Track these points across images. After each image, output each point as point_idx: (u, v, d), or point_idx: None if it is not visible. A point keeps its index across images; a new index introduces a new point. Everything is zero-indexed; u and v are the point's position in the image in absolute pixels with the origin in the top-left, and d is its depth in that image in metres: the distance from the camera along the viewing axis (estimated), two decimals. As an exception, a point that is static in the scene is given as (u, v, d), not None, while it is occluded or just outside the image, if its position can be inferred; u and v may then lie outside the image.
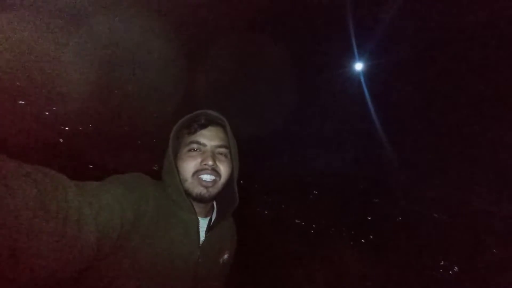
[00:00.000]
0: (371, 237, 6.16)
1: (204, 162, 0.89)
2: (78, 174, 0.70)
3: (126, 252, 0.75)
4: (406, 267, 4.45)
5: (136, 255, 0.76)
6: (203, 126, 0.95)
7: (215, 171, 0.90)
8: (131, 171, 0.88)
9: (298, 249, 4.70)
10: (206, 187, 0.89)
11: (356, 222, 6.60)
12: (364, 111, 7.05)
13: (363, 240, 6.14)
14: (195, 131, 0.94)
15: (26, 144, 4.70)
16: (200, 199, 0.90)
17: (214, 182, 0.90)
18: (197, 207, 0.93)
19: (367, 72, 6.78)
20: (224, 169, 0.93)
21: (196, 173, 0.89)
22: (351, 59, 7.16)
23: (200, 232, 0.93)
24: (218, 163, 0.91)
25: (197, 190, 0.89)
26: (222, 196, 0.99)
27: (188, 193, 0.90)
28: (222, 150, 0.95)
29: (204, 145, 0.92)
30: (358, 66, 7.40)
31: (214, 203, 1.06)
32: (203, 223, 0.96)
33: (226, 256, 1.04)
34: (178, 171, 0.91)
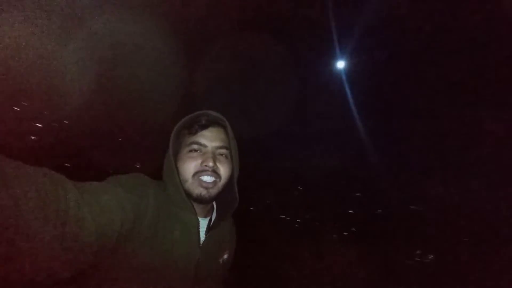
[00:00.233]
0: (353, 229, 6.40)
1: (204, 163, 0.89)
2: (77, 175, 0.69)
3: (126, 252, 0.74)
4: (387, 256, 4.66)
5: (136, 255, 0.76)
6: (204, 127, 0.95)
7: (215, 172, 0.91)
8: (131, 172, 0.87)
9: (284, 243, 4.79)
10: (206, 188, 0.90)
11: (339, 216, 6.81)
12: (346, 108, 7.26)
13: (345, 233, 6.36)
14: (195, 132, 0.94)
15: (26, 144, 4.63)
16: (200, 200, 0.91)
17: (214, 183, 0.91)
18: (197, 207, 0.94)
19: (349, 70, 6.97)
20: (224, 170, 0.93)
21: (197, 174, 0.90)
22: (333, 57, 7.31)
23: (200, 232, 0.94)
24: (218, 164, 0.92)
25: (197, 191, 0.89)
26: (222, 196, 0.99)
27: (188, 194, 0.90)
28: (223, 151, 0.96)
29: (205, 146, 0.93)
30: (340, 64, 7.58)
31: (214, 203, 1.07)
32: (203, 223, 0.97)
33: (226, 256, 1.06)
34: (178, 172, 0.91)
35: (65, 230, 0.51)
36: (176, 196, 0.89)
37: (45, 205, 0.48)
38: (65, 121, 5.48)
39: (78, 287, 0.72)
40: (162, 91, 6.47)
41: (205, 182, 0.89)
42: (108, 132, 5.87)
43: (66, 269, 0.53)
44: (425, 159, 6.42)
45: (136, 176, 0.86)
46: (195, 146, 0.93)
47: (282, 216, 6.75)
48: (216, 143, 0.94)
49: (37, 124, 5.11)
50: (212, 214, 1.04)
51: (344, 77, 6.84)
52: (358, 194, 7.14)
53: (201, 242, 0.93)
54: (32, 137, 4.86)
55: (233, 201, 1.02)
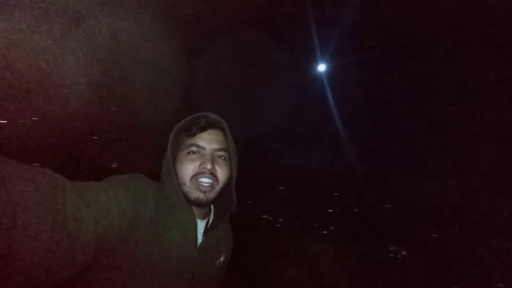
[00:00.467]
0: (332, 228, 6.61)
1: (203, 165, 0.89)
2: (77, 174, 0.67)
3: (125, 252, 0.75)
4: (365, 251, 4.87)
5: (135, 255, 0.76)
6: (203, 129, 0.95)
7: (213, 175, 0.91)
8: (130, 172, 0.87)
9: (267, 242, 4.84)
10: (204, 192, 0.89)
11: (319, 215, 7.01)
12: (327, 110, 7.47)
13: (325, 232, 6.56)
14: (194, 134, 0.94)
15: (25, 144, 4.62)
16: (198, 203, 0.92)
17: (211, 186, 0.90)
18: (195, 209, 0.94)
19: (330, 73, 7.18)
20: (222, 173, 0.94)
21: (195, 176, 0.90)
22: (313, 60, 7.48)
23: (198, 234, 0.94)
24: (216, 167, 0.92)
25: (195, 194, 0.89)
26: (220, 198, 0.98)
27: (186, 196, 0.90)
28: (221, 153, 0.95)
29: (204, 148, 0.93)
30: (321, 68, 7.78)
31: (212, 205, 1.06)
32: (200, 225, 0.96)
33: (222, 258, 1.05)
34: (176, 174, 0.91)
35: (64, 230, 0.51)
36: (174, 198, 0.89)
37: (44, 205, 0.48)
38: (64, 121, 5.45)
39: (77, 287, 0.74)
40: (161, 92, 6.50)
41: (202, 185, 0.89)
42: (107, 133, 5.87)
43: (65, 269, 0.53)
44: (401, 160, 6.81)
45: (135, 177, 0.85)
46: (193, 148, 0.93)
47: (264, 216, 6.80)
48: (215, 146, 0.94)
49: (37, 124, 5.10)
50: (209, 216, 1.04)
51: (325, 80, 7.06)
52: (336, 193, 7.40)
53: (199, 243, 0.93)
54: (32, 137, 4.81)
55: (231, 204, 1.03)
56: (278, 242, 5.25)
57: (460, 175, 5.99)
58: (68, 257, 0.53)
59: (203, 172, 0.89)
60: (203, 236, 0.95)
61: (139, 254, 0.77)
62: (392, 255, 5.88)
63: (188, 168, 0.90)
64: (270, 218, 6.83)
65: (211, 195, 0.91)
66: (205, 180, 0.90)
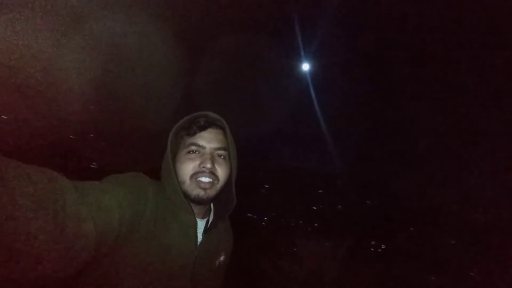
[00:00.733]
0: (316, 225, 6.76)
1: (202, 164, 0.89)
2: (77, 174, 0.65)
3: (125, 252, 0.75)
4: (350, 246, 5.03)
5: (135, 255, 0.76)
6: (203, 128, 0.95)
7: (213, 174, 0.91)
8: (130, 171, 0.87)
9: (253, 241, 4.87)
10: (204, 189, 0.89)
11: (304, 212, 7.14)
12: (311, 110, 7.60)
13: (309, 228, 6.69)
14: (194, 133, 0.94)
15: (25, 144, 4.61)
16: (198, 201, 0.90)
17: (211, 184, 0.90)
18: (195, 208, 0.94)
19: (314, 72, 7.30)
20: (222, 172, 0.93)
21: (194, 175, 0.90)
22: (297, 59, 7.57)
23: (198, 233, 0.93)
24: (216, 166, 0.92)
25: (195, 192, 0.89)
26: (220, 197, 0.99)
27: (186, 195, 0.90)
28: (221, 152, 0.96)
29: (203, 147, 0.93)
30: (305, 67, 7.89)
31: (212, 204, 1.06)
32: (200, 224, 0.96)
33: (222, 257, 1.05)
34: (176, 173, 0.91)
35: (64, 230, 0.51)
36: (174, 197, 0.89)
37: (44, 204, 0.48)
38: (64, 121, 5.39)
39: (77, 287, 0.74)
40: (161, 91, 6.45)
41: (203, 182, 0.89)
42: (107, 132, 5.84)
43: (65, 269, 0.54)
44: (384, 158, 7.08)
45: (135, 176, 0.85)
46: (193, 148, 0.92)
47: (249, 215, 6.82)
48: (215, 145, 0.94)
49: (37, 124, 5.04)
50: (209, 215, 1.04)
51: (309, 79, 7.18)
52: (320, 191, 7.57)
53: (199, 242, 0.93)
54: (31, 137, 4.82)
55: (230, 203, 1.03)
56: (264, 240, 5.29)
57: (438, 174, 6.34)
58: (68, 257, 0.53)
59: (203, 171, 0.89)
60: (203, 235, 0.95)
61: (139, 253, 0.77)
62: (372, 249, 6.14)
63: (188, 167, 0.90)
64: (255, 216, 6.86)
65: (212, 192, 0.91)
66: (205, 179, 0.90)
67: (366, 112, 7.34)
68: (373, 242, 6.26)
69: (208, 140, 0.93)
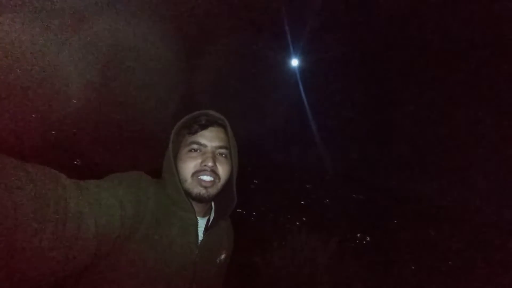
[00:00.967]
0: (304, 219, 6.89)
1: (204, 163, 0.89)
2: (77, 173, 0.64)
3: (126, 251, 0.75)
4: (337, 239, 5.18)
5: (136, 254, 0.76)
6: (204, 127, 0.95)
7: (214, 172, 0.91)
8: (131, 170, 0.86)
9: (242, 235, 4.88)
10: (206, 188, 0.90)
11: (291, 207, 7.24)
12: (300, 106, 7.66)
13: (297, 223, 6.81)
14: (195, 132, 0.94)
15: (26, 143, 4.65)
16: (199, 199, 0.91)
17: (213, 183, 0.90)
18: (196, 206, 0.94)
19: (304, 68, 7.34)
20: (223, 170, 0.94)
21: (196, 173, 0.90)
22: (287, 55, 7.58)
23: (199, 231, 0.94)
24: (218, 164, 0.92)
25: (197, 190, 0.89)
26: (221, 196, 0.99)
27: (187, 193, 0.90)
28: (223, 151, 0.96)
29: (205, 145, 0.93)
30: (294, 62, 7.92)
31: (212, 203, 1.06)
32: (201, 223, 0.97)
33: (223, 256, 1.06)
34: (177, 171, 0.91)
35: (65, 229, 0.51)
36: (175, 195, 0.89)
37: (44, 204, 0.48)
38: (64, 121, 5.46)
39: (77, 286, 0.74)
40: (162, 90, 6.52)
41: (204, 181, 0.89)
42: (108, 131, 5.88)
43: (65, 268, 0.53)
44: (369, 153, 7.28)
45: (136, 174, 0.84)
46: (194, 146, 0.92)
47: (238, 210, 6.84)
48: (216, 143, 0.94)
49: (36, 124, 5.10)
50: (210, 214, 1.04)
51: (298, 75, 7.22)
52: (308, 185, 7.71)
53: (199, 241, 0.93)
54: (32, 136, 4.85)
55: (231, 201, 1.04)
56: (253, 234, 5.33)
57: (421, 166, 6.60)
58: (69, 256, 0.53)
59: (204, 170, 0.89)
60: (204, 234, 0.95)
61: (140, 252, 0.77)
62: (357, 241, 6.35)
63: (189, 166, 0.90)
64: (244, 212, 6.90)
65: (213, 190, 0.91)
66: (207, 178, 0.89)
67: (355, 108, 7.50)
68: (358, 235, 6.48)
69: (209, 139, 0.93)
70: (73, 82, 5.41)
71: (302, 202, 7.46)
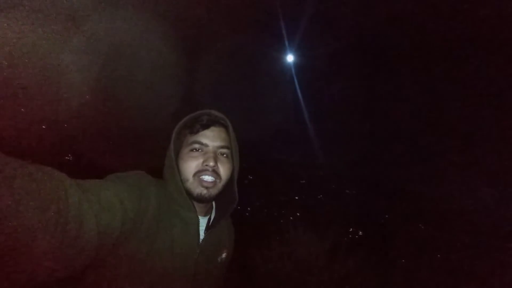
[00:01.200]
0: (298, 214, 6.97)
1: (205, 162, 0.88)
2: (78, 173, 0.63)
3: (127, 250, 0.74)
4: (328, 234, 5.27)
5: (137, 253, 0.76)
6: (206, 126, 0.94)
7: (215, 172, 0.90)
8: (132, 170, 0.85)
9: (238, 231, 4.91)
10: (207, 188, 0.89)
11: (286, 202, 7.31)
12: (295, 102, 7.67)
13: (291, 218, 6.89)
14: (197, 131, 0.93)
15: (27, 143, 4.66)
16: (200, 199, 0.89)
17: (214, 183, 0.90)
18: (197, 206, 0.93)
19: (299, 64, 7.34)
20: (224, 170, 0.93)
21: (197, 173, 0.89)
22: (282, 51, 7.55)
23: (200, 231, 0.93)
24: (219, 164, 0.91)
25: (198, 190, 0.88)
26: (222, 195, 0.98)
27: (188, 193, 0.89)
28: (224, 150, 0.95)
29: (206, 145, 0.92)
30: (289, 58, 7.90)
31: (214, 202, 1.06)
32: (202, 222, 0.96)
33: (224, 255, 1.05)
34: (179, 171, 0.90)
35: (66, 229, 0.51)
36: (176, 195, 0.88)
37: (46, 203, 0.48)
38: (65, 120, 5.51)
39: (78, 286, 0.73)
40: (163, 90, 6.55)
41: (205, 181, 0.89)
42: (108, 131, 5.95)
43: (66, 268, 0.53)
44: (364, 149, 7.37)
45: (137, 174, 0.83)
46: (196, 146, 0.91)
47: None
48: (217, 143, 0.93)
49: (37, 123, 5.15)
50: (211, 213, 1.03)
51: (293, 71, 7.22)
52: (303, 181, 7.78)
53: (201, 240, 0.93)
54: (32, 136, 4.90)
55: (232, 201, 1.03)
56: (248, 229, 5.37)
57: (415, 161, 6.71)
58: (70, 255, 0.53)
59: (205, 170, 0.88)
60: (205, 233, 0.94)
61: (141, 251, 0.76)
62: (350, 235, 6.47)
63: (190, 165, 0.89)
64: (238, 207, 6.93)
65: (214, 191, 0.90)
66: (208, 178, 0.88)
67: (350, 104, 7.55)
68: (351, 229, 6.61)
69: (211, 139, 0.92)
70: (73, 82, 5.41)
71: (296, 198, 7.53)
